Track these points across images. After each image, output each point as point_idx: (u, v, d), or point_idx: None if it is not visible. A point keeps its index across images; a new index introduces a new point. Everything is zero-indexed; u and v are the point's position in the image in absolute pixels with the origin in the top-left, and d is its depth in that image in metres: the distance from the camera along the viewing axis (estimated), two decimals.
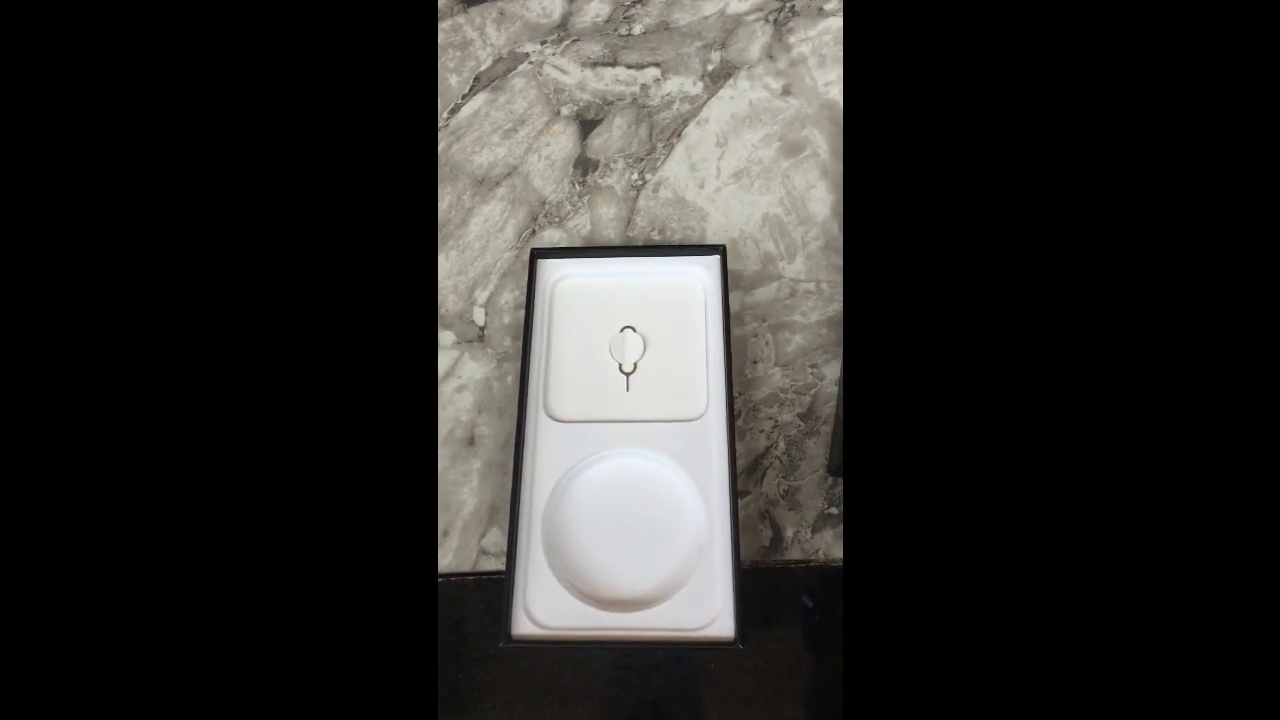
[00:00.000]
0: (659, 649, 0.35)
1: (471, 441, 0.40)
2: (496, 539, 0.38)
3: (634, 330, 0.40)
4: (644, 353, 0.40)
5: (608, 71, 0.49)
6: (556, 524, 0.36)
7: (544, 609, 0.34)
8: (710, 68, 0.48)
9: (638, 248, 0.43)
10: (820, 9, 0.49)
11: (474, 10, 0.51)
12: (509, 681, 0.36)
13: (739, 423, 0.40)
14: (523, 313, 0.42)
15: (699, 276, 0.41)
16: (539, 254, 0.41)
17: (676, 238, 0.44)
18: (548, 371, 0.39)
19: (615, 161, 0.46)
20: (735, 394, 0.40)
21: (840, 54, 0.48)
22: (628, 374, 0.39)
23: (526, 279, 0.41)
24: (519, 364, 0.40)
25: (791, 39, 0.49)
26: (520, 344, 0.41)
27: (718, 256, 0.40)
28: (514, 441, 0.37)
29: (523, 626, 0.34)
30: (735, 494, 0.35)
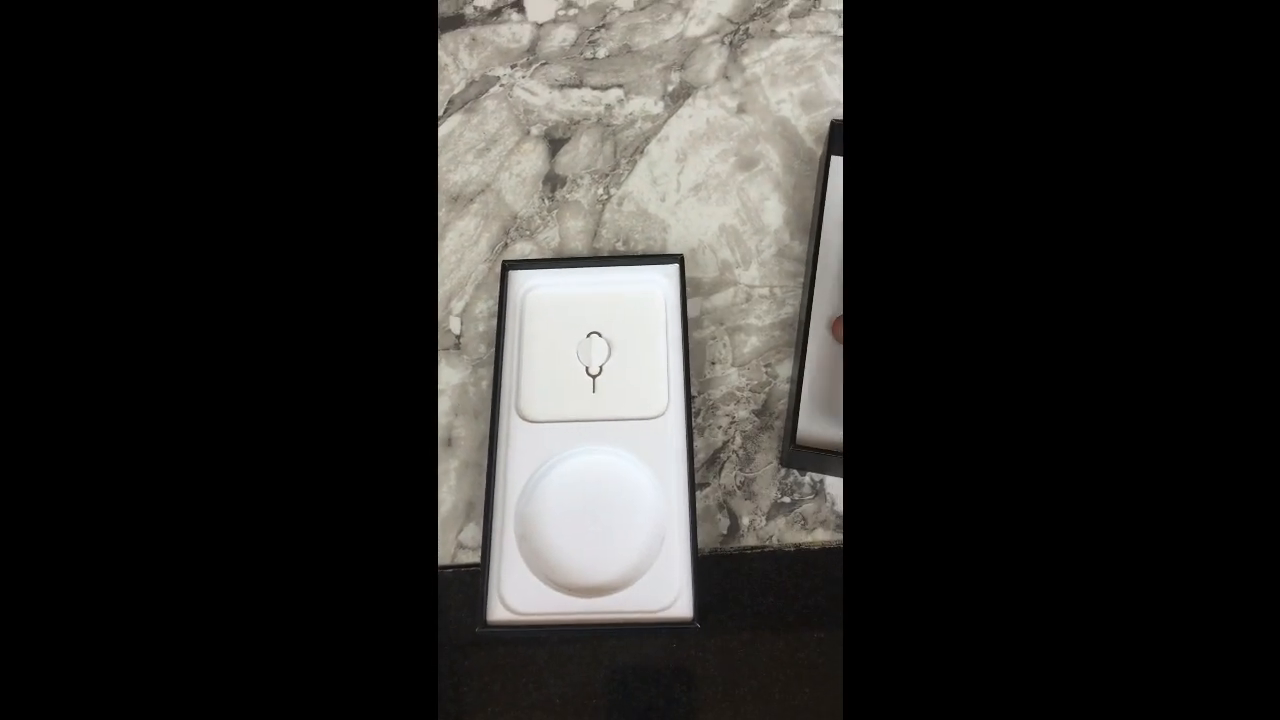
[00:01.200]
0: (624, 631, 0.38)
1: (449, 443, 0.43)
2: (473, 534, 0.41)
3: (600, 335, 0.43)
4: (609, 356, 0.42)
5: (574, 93, 0.52)
6: (528, 517, 0.39)
7: (517, 596, 0.37)
8: (670, 88, 0.51)
9: (602, 258, 0.45)
10: (772, 31, 0.53)
11: (447, 36, 0.54)
12: (486, 666, 0.39)
13: (698, 419, 0.43)
14: (496, 321, 0.45)
15: (660, 284, 0.44)
16: (510, 265, 0.44)
17: (640, 248, 0.47)
18: (519, 375, 0.42)
19: (582, 177, 0.49)
20: (694, 393, 0.43)
21: (793, 73, 0.51)
22: (594, 376, 0.42)
23: (499, 289, 0.44)
24: (493, 369, 0.42)
25: (745, 60, 0.52)
26: (494, 350, 0.43)
27: (677, 265, 0.43)
28: (488, 441, 0.40)
29: (497, 612, 0.37)
30: (694, 486, 0.38)
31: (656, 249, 0.47)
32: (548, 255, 0.47)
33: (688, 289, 0.44)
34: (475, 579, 0.39)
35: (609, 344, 0.43)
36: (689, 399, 0.40)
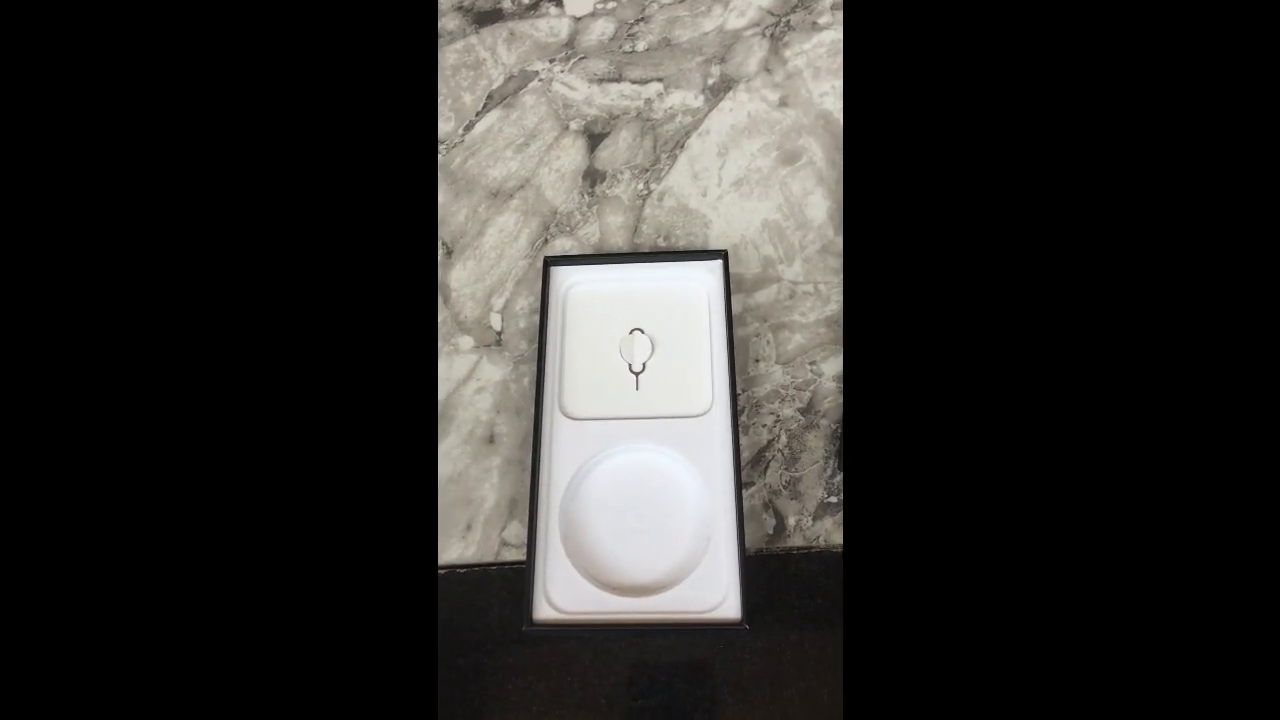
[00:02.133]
0: (670, 631, 0.38)
1: (491, 440, 0.43)
2: (516, 531, 0.41)
3: (642, 332, 0.42)
4: (652, 353, 0.42)
5: (613, 87, 0.51)
6: (572, 515, 0.39)
7: (562, 595, 0.37)
8: (710, 81, 0.51)
9: (644, 254, 0.45)
10: (814, 23, 0.52)
11: (485, 31, 0.54)
12: (531, 663, 0.38)
13: (742, 418, 0.42)
14: (537, 318, 0.44)
15: (703, 280, 0.43)
16: (552, 261, 0.44)
17: (681, 244, 0.46)
18: (562, 372, 0.42)
19: (622, 172, 0.49)
20: (738, 390, 0.43)
21: (835, 65, 0.50)
22: (637, 373, 0.41)
23: (540, 285, 0.43)
24: (535, 366, 0.42)
25: (787, 53, 0.51)
26: (535, 347, 0.43)
27: (720, 261, 0.43)
28: (531, 439, 0.40)
29: (543, 611, 0.37)
30: (739, 485, 0.38)
31: (698, 245, 0.46)
32: (588, 251, 0.47)
33: (731, 285, 0.44)
34: (519, 576, 0.39)
35: (652, 341, 0.42)
36: (734, 396, 0.40)
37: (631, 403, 0.41)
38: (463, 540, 0.41)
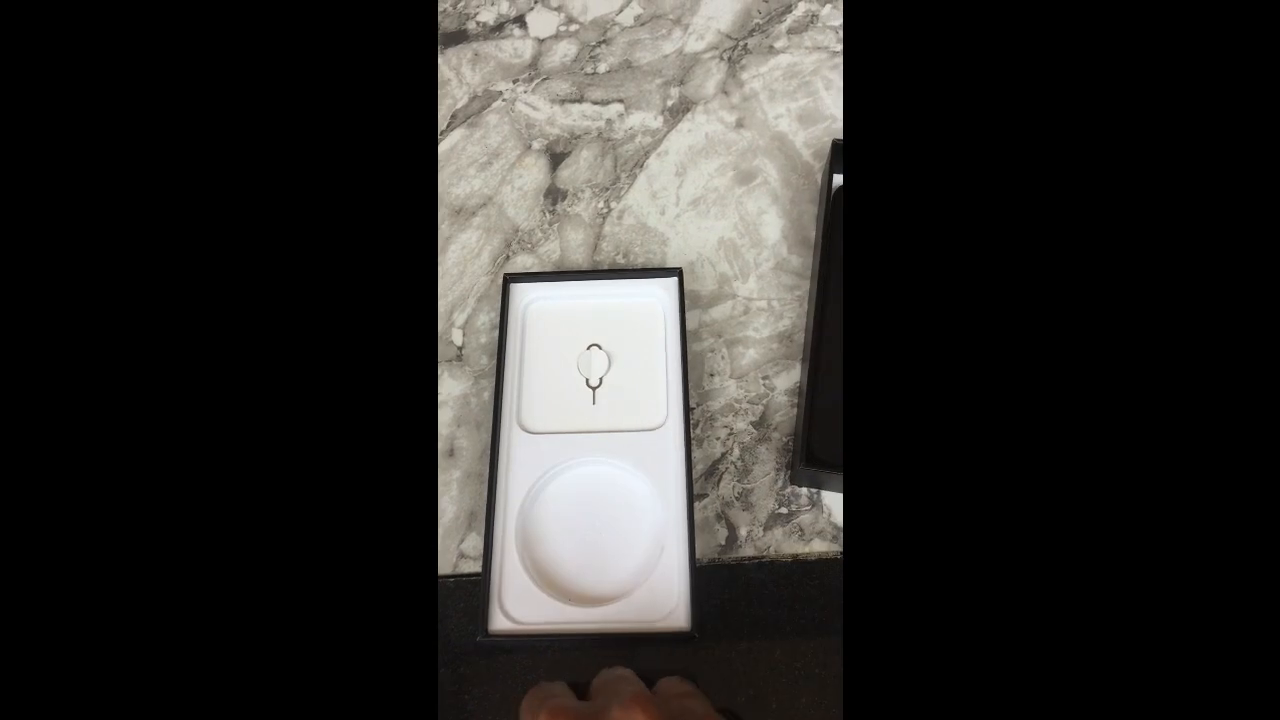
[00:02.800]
0: (623, 640, 0.38)
1: (451, 454, 0.43)
2: (475, 543, 0.42)
3: (600, 348, 0.43)
4: (609, 368, 0.43)
5: (575, 108, 0.52)
6: (528, 527, 0.39)
7: (518, 605, 0.38)
8: (670, 103, 0.52)
9: (602, 271, 0.46)
10: (770, 47, 0.53)
11: (450, 51, 0.55)
12: (486, 674, 0.39)
13: (697, 431, 0.43)
14: (497, 333, 0.45)
15: (659, 297, 0.44)
16: (511, 278, 0.45)
17: (640, 261, 0.48)
18: (520, 387, 0.43)
19: (583, 191, 0.50)
20: (692, 405, 0.44)
21: (790, 88, 0.52)
22: (594, 388, 0.43)
23: (500, 302, 0.44)
24: (494, 380, 0.43)
25: (744, 75, 0.53)
26: (495, 362, 0.44)
27: (676, 278, 0.44)
28: (489, 452, 0.40)
29: (499, 622, 0.37)
30: (692, 497, 0.39)
31: (656, 262, 0.47)
32: (549, 268, 0.48)
33: (686, 302, 0.45)
34: (476, 588, 0.40)
35: (609, 356, 0.43)
36: (687, 411, 0.41)
37: (588, 417, 0.42)
38: None
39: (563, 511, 0.40)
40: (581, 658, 0.39)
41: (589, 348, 0.43)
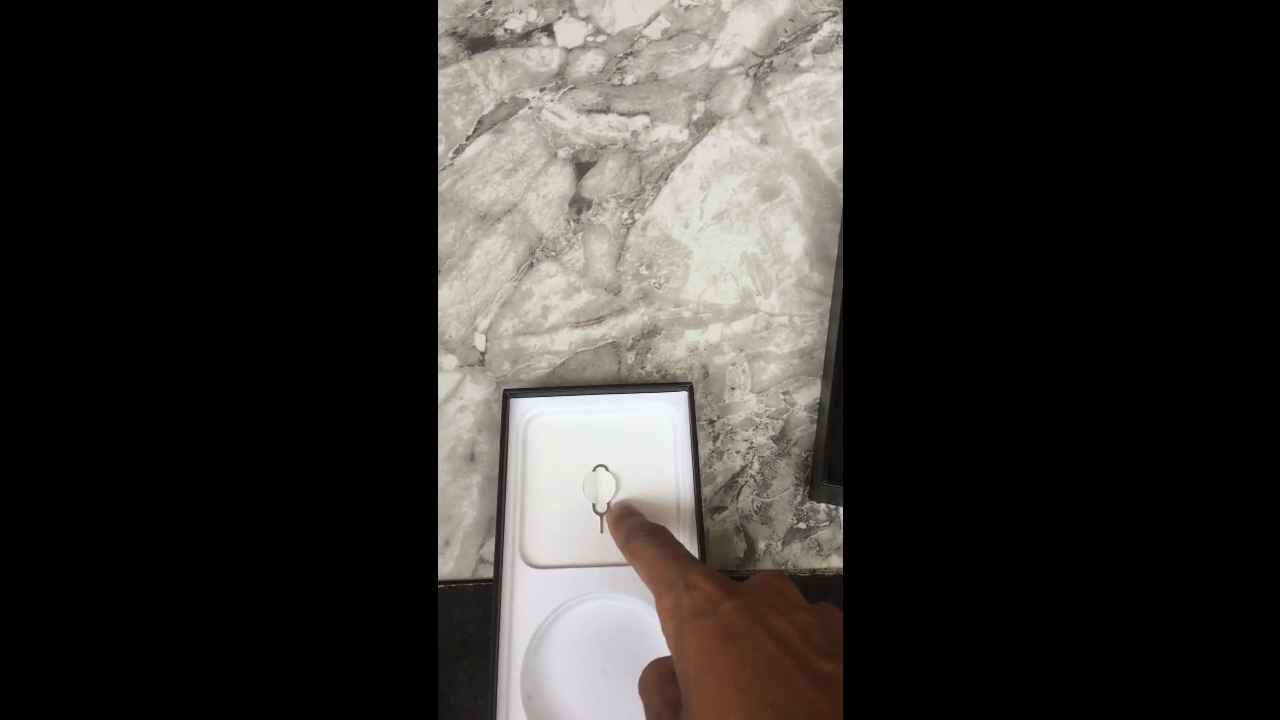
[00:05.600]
0: None
1: (472, 458, 0.44)
2: (493, 548, 0.42)
3: (606, 469, 0.41)
4: (616, 491, 0.40)
5: (601, 118, 0.53)
6: (536, 674, 0.37)
7: None
8: (695, 117, 0.53)
9: (608, 386, 0.44)
10: (795, 65, 0.54)
11: (478, 57, 0.55)
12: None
13: (717, 443, 0.44)
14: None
15: (668, 413, 0.42)
16: (511, 394, 0.42)
17: (663, 273, 0.48)
18: (523, 518, 0.40)
19: (607, 201, 0.50)
20: (713, 417, 0.44)
21: (815, 107, 0.53)
22: (601, 514, 0.40)
23: (501, 419, 0.42)
24: (495, 506, 0.40)
25: (769, 93, 0.53)
26: (496, 478, 0.41)
27: (685, 393, 0.41)
28: (493, 590, 0.38)
29: None
30: None
31: (678, 275, 0.48)
32: (573, 276, 0.48)
33: (704, 321, 0.45)
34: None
35: (615, 477, 0.41)
36: (702, 535, 0.38)
37: (596, 548, 0.39)
38: (441, 557, 0.42)
39: (572, 655, 0.37)
40: None
41: (594, 469, 0.41)
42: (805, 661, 0.24)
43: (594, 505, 0.40)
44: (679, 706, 0.26)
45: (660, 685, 0.29)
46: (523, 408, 0.42)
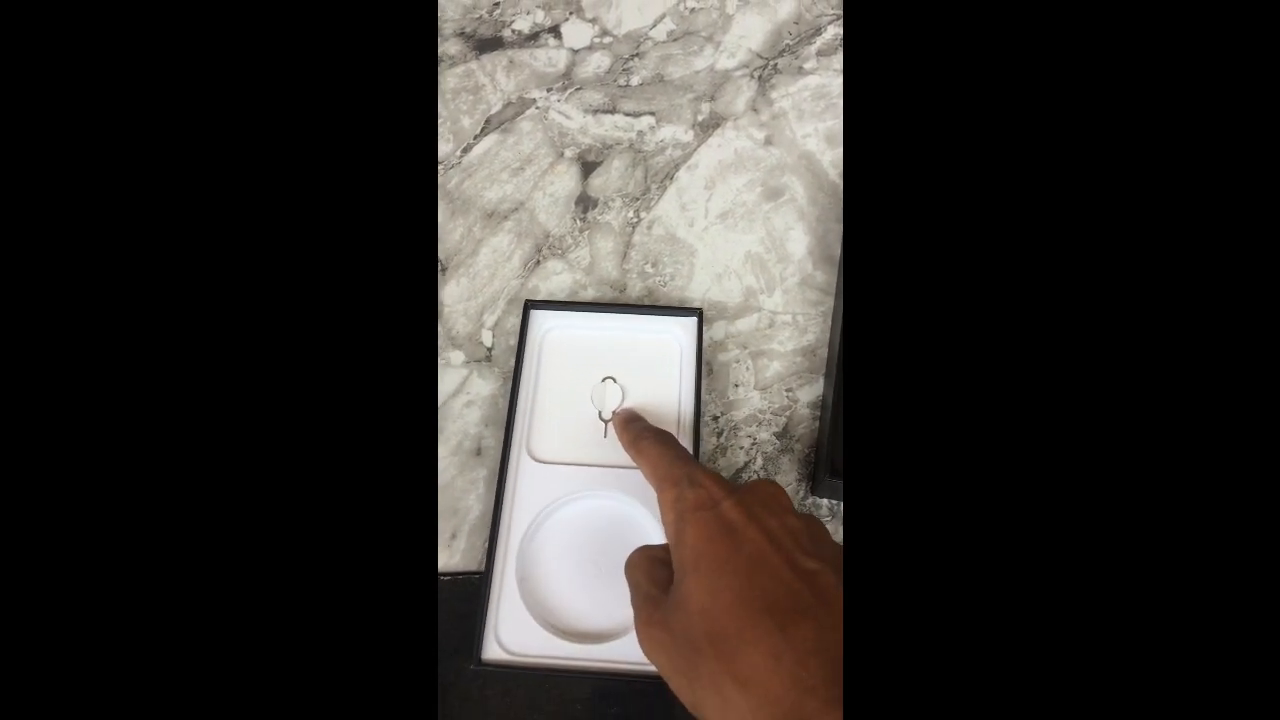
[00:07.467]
0: (619, 680, 0.37)
1: (479, 453, 0.44)
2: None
3: (614, 381, 0.44)
4: (622, 402, 0.43)
5: (607, 118, 0.54)
6: (529, 558, 0.39)
7: (513, 637, 0.37)
8: (700, 118, 0.53)
9: (623, 305, 0.46)
10: (800, 68, 0.55)
11: (486, 58, 0.56)
12: (512, 671, 0.40)
13: (720, 439, 0.44)
14: (515, 357, 0.46)
15: (677, 335, 0.44)
16: (532, 305, 0.45)
17: (668, 271, 0.49)
18: (532, 416, 0.42)
19: (613, 200, 0.51)
20: (716, 414, 0.45)
21: (818, 109, 0.53)
22: (606, 421, 0.42)
23: (519, 327, 0.44)
24: (507, 406, 0.42)
25: (774, 94, 0.54)
26: (510, 385, 0.44)
27: (695, 318, 0.44)
28: (497, 479, 0.40)
29: (492, 651, 0.37)
30: None
31: (683, 273, 0.49)
32: (579, 274, 0.49)
33: (712, 312, 0.46)
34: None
35: (623, 390, 0.43)
36: (697, 450, 0.41)
37: (598, 450, 0.41)
38: (448, 549, 0.42)
39: (565, 544, 0.39)
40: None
41: (603, 380, 0.43)
42: (791, 557, 0.27)
43: (600, 413, 0.43)
44: (666, 587, 0.29)
45: (648, 566, 0.31)
46: (541, 319, 0.45)
